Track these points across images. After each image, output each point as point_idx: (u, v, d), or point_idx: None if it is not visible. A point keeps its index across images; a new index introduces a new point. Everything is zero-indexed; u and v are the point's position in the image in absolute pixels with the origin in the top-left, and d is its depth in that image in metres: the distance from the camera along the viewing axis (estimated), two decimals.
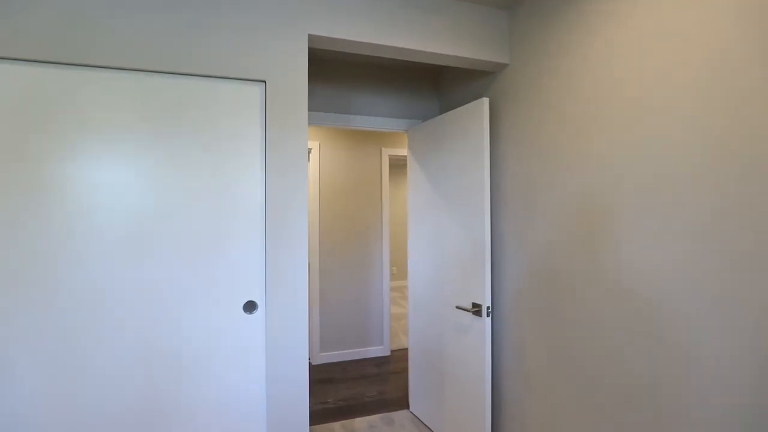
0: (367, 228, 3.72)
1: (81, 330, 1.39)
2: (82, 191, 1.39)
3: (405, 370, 3.41)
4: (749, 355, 0.99)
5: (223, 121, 1.53)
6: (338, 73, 2.50)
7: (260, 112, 1.58)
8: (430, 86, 2.70)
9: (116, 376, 1.42)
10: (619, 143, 1.35)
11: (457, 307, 2.03)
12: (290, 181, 1.58)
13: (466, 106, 2.05)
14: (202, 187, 1.51)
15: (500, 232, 1.99)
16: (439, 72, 2.69)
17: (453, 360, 2.14)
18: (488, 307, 1.91)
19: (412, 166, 2.57)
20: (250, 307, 1.56)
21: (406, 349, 3.87)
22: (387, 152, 3.78)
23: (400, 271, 7.39)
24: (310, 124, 2.47)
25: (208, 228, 1.52)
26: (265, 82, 1.57)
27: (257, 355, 1.57)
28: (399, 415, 2.62)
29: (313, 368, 3.45)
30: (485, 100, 1.92)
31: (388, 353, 3.75)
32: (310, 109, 2.45)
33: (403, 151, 3.83)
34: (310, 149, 3.55)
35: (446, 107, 2.60)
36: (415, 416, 2.59)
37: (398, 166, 7.13)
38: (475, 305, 1.97)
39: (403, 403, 2.81)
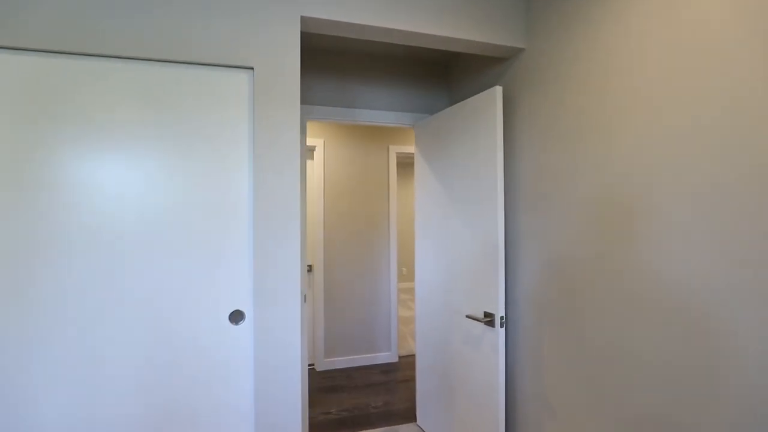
0: (374, 229, 3.57)
1: (41, 340, 1.26)
2: (52, 191, 1.27)
3: (413, 378, 3.24)
4: None
5: (207, 114, 1.40)
6: (341, 65, 2.35)
7: (248, 102, 1.43)
8: (438, 78, 2.53)
9: (97, 386, 1.29)
10: (657, 129, 1.16)
11: (468, 316, 1.86)
12: (281, 179, 1.43)
13: (477, 96, 1.88)
14: (182, 186, 1.37)
15: (515, 234, 1.80)
16: (448, 62, 2.52)
17: (463, 373, 1.97)
18: (502, 317, 1.73)
19: (419, 163, 2.40)
20: (236, 317, 1.42)
21: (415, 355, 3.70)
22: (395, 150, 3.62)
23: (410, 272, 7.22)
24: (310, 119, 2.33)
25: (190, 229, 1.38)
26: (253, 69, 1.43)
27: (245, 373, 1.42)
28: (405, 429, 2.46)
29: (317, 375, 3.31)
30: (498, 89, 1.74)
31: (395, 359, 3.59)
32: (310, 103, 2.30)
33: (411, 149, 3.66)
34: (315, 147, 3.41)
35: (456, 100, 2.42)
36: (423, 431, 2.42)
37: (407, 164, 6.96)
38: (487, 315, 1.79)
39: (410, 415, 2.64)
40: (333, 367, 3.43)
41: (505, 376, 1.84)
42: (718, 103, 1.00)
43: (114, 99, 1.32)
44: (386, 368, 3.44)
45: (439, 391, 2.20)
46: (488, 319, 1.77)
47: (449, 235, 2.08)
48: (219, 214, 1.40)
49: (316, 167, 3.42)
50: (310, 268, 3.47)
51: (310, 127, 3.41)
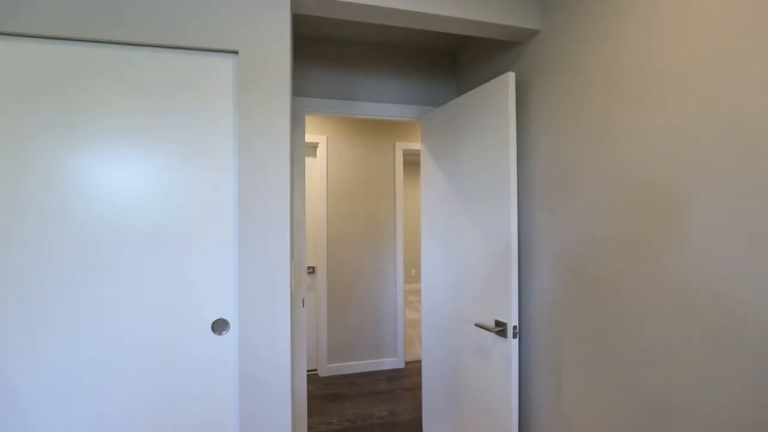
0: (380, 229, 3.42)
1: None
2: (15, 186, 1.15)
3: (420, 385, 3.09)
4: None
5: (187, 105, 1.27)
6: (342, 55, 2.21)
7: (233, 91, 1.30)
8: (445, 68, 2.37)
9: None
10: (696, 107, 0.98)
11: (477, 325, 1.70)
12: (269, 175, 1.29)
13: (487, 84, 1.71)
14: (158, 183, 1.25)
15: (530, 234, 1.64)
16: (456, 51, 2.36)
17: (472, 387, 1.81)
18: (515, 327, 1.57)
19: (425, 158, 2.24)
20: (220, 326, 1.29)
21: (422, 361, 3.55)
22: (401, 146, 3.47)
23: (419, 273, 7.05)
24: (309, 112, 2.19)
25: (168, 230, 1.25)
26: (237, 53, 1.30)
27: (230, 389, 1.29)
28: None
29: (320, 381, 3.18)
30: (511, 75, 1.58)
31: (402, 365, 3.44)
32: (308, 96, 2.16)
33: (419, 145, 3.50)
34: (317, 144, 3.28)
35: (464, 91, 2.26)
36: None
37: (414, 162, 6.79)
38: (498, 323, 1.63)
39: (416, 426, 2.49)
40: (337, 373, 3.30)
41: (518, 393, 1.68)
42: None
43: (81, 85, 1.19)
44: (392, 375, 3.29)
45: (446, 403, 2.04)
46: (500, 328, 1.61)
47: (457, 236, 1.93)
48: (201, 213, 1.27)
49: (318, 165, 3.29)
50: (312, 270, 3.34)
51: (312, 122, 3.28)
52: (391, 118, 2.29)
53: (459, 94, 2.34)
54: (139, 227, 1.23)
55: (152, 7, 1.22)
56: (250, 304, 1.28)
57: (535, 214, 1.60)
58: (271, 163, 1.29)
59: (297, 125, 2.15)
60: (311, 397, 2.90)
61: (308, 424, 2.55)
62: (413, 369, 3.41)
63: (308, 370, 3.32)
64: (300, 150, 2.15)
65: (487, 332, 1.70)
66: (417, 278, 7.06)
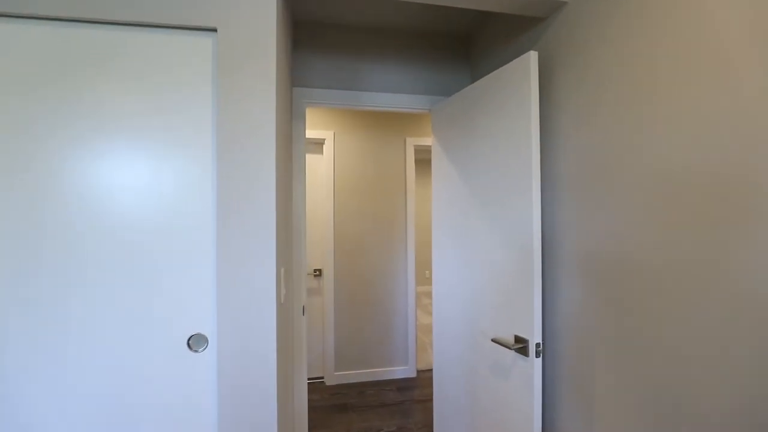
0: (390, 230, 3.23)
1: None
2: None
3: (432, 397, 2.89)
4: None
5: (158, 89, 1.11)
6: (345, 41, 2.04)
7: (211, 74, 1.14)
8: (459, 53, 2.16)
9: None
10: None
11: (495, 341, 1.49)
12: (250, 174, 1.13)
13: (504, 67, 1.51)
14: (129, 183, 1.09)
15: (555, 236, 1.42)
16: (470, 35, 2.15)
17: (489, 408, 1.61)
18: (538, 345, 1.36)
19: (436, 153, 2.05)
20: (197, 342, 1.13)
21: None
22: (412, 142, 3.27)
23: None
24: (310, 104, 2.02)
25: (136, 233, 1.10)
26: (216, 30, 1.13)
27: (207, 414, 1.13)
28: None
29: (326, 389, 3.02)
30: (533, 54, 1.37)
31: (413, 374, 3.24)
32: (309, 86, 2.00)
33: (431, 140, 3.30)
34: (323, 140, 3.12)
35: (480, 78, 2.05)
36: None
37: (427, 160, 6.58)
38: (518, 339, 1.42)
39: None
40: (344, 382, 3.13)
41: (542, 419, 1.47)
42: None
43: (34, 72, 1.05)
44: (403, 384, 3.10)
45: (459, 424, 1.84)
46: (520, 345, 1.40)
47: (472, 238, 1.72)
48: (175, 216, 1.11)
49: (325, 162, 3.13)
50: (319, 273, 3.18)
51: (318, 118, 3.12)
52: (399, 110, 2.10)
53: (473, 82, 2.13)
54: (103, 234, 1.08)
55: None
56: (230, 318, 1.11)
57: (562, 213, 1.39)
58: (253, 160, 1.12)
59: (297, 118, 1.99)
60: (316, 407, 2.74)
61: None
62: (425, 379, 3.22)
63: (314, 378, 3.17)
64: (300, 145, 1.98)
65: (506, 349, 1.49)
66: (431, 280, 6.84)
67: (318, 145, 3.20)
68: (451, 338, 1.90)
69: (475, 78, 2.12)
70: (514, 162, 1.46)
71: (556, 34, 1.42)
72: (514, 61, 1.46)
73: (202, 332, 1.13)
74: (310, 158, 3.19)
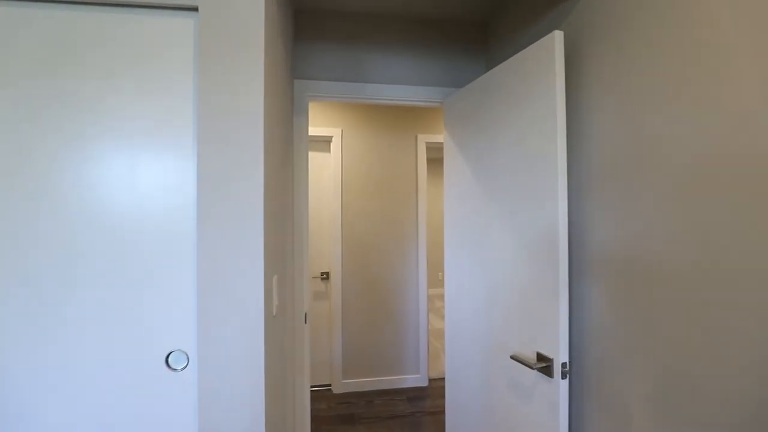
0: (401, 231, 3.09)
1: None
2: None
3: (445, 409, 2.73)
4: None
5: (133, 75, 0.99)
6: (350, 30, 1.90)
7: (192, 58, 1.01)
8: (474, 41, 2.00)
9: None
10: None
11: (514, 358, 1.33)
12: (234, 171, 1.00)
13: (526, 50, 1.35)
14: (101, 182, 0.98)
15: (584, 239, 1.25)
16: (487, 22, 1.99)
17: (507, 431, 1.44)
18: (564, 364, 1.19)
19: (449, 149, 1.89)
20: (176, 360, 1.00)
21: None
22: (423, 139, 3.12)
23: None
24: (313, 98, 1.90)
25: (108, 239, 0.98)
26: (197, 9, 1.01)
27: None
28: None
29: (333, 398, 2.89)
30: (557, 34, 1.21)
31: (425, 383, 3.09)
32: (311, 78, 1.87)
33: (443, 137, 3.13)
34: (331, 137, 2.99)
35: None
36: None
37: (439, 159, 6.40)
38: (541, 358, 1.26)
39: None
40: (352, 390, 3.00)
41: None
42: None
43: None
44: (414, 394, 2.95)
45: None
46: (543, 364, 1.24)
47: (487, 241, 1.56)
48: (152, 219, 0.99)
49: (332, 160, 3.00)
50: (326, 276, 3.06)
51: (325, 114, 2.99)
52: (409, 103, 1.96)
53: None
54: (70, 238, 0.96)
55: None
56: (212, 334, 0.98)
57: (591, 213, 1.21)
58: (238, 157, 0.99)
59: (299, 112, 1.86)
60: (322, 417, 2.61)
61: None
62: (438, 388, 3.05)
63: (321, 385, 3.05)
64: (302, 141, 1.86)
65: (527, 368, 1.33)
66: (443, 282, 6.66)
67: (325, 142, 3.07)
68: (465, 349, 1.74)
69: (491, 68, 1.95)
70: (536, 155, 1.29)
71: (586, 8, 1.25)
72: (536, 42, 1.29)
73: (183, 349, 1.01)
74: (316, 156, 3.07)
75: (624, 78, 1.09)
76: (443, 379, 3.22)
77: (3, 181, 0.94)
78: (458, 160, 1.79)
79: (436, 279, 6.62)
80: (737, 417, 0.80)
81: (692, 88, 0.90)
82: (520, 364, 1.36)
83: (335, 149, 2.99)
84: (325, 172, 3.08)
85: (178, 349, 1.00)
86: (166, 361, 1.00)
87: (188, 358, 1.00)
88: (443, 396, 2.92)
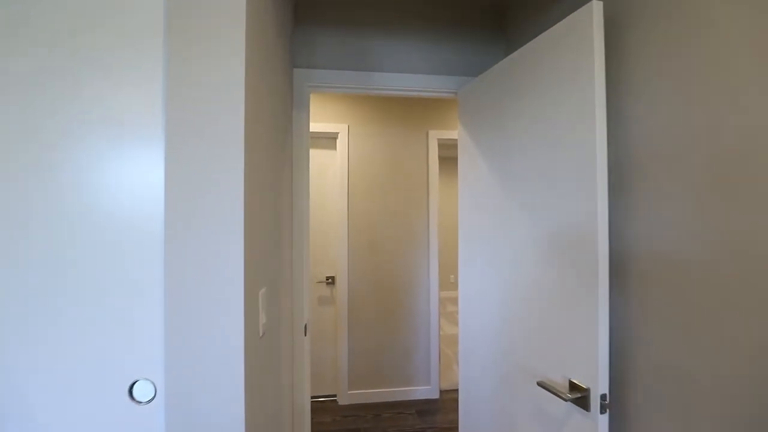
0: (410, 232, 2.91)
1: None
2: None
3: (457, 425, 2.54)
4: None
5: (98, 53, 0.83)
6: (355, 14, 1.73)
7: (162, 32, 0.85)
8: (491, 25, 1.81)
9: None
10: None
11: (541, 385, 1.14)
12: (212, 165, 0.83)
13: (556, 25, 1.16)
14: (39, 180, 0.82)
15: (622, 242, 1.06)
16: (506, 2, 1.79)
17: None
18: (603, 396, 1.00)
19: (463, 143, 1.71)
20: (141, 391, 0.84)
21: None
22: (435, 135, 2.93)
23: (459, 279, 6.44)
24: (314, 89, 1.73)
25: (60, 251, 0.82)
26: None
27: None
28: None
29: (338, 410, 2.73)
30: (596, 5, 1.02)
31: (436, 395, 2.90)
32: (311, 66, 1.71)
33: (457, 133, 2.94)
34: (337, 134, 2.83)
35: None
36: None
37: (451, 158, 6.19)
38: (574, 386, 1.07)
39: None
40: (358, 402, 2.83)
41: None
42: None
43: None
44: (424, 407, 2.77)
45: None
46: (578, 395, 1.05)
47: (507, 244, 1.38)
48: (110, 222, 0.84)
49: (339, 158, 2.83)
50: (332, 281, 2.90)
51: (330, 109, 2.83)
52: (419, 94, 1.78)
53: None
54: (21, 250, 0.81)
55: None
56: (183, 362, 0.82)
57: (640, 213, 1.02)
58: (215, 147, 0.83)
59: (299, 105, 1.70)
60: (326, 431, 2.45)
61: None
62: (450, 401, 2.87)
63: (326, 396, 2.89)
64: (302, 136, 1.69)
65: (557, 398, 1.14)
66: (456, 284, 6.45)
67: (330, 139, 2.91)
68: (481, 367, 1.55)
69: (511, 54, 1.76)
70: (569, 148, 1.10)
71: None
72: (569, 16, 1.10)
73: (150, 377, 0.85)
74: (321, 154, 2.91)
75: (674, 60, 0.89)
76: (455, 390, 3.03)
77: None
78: (474, 154, 1.60)
79: (447, 282, 6.42)
80: None
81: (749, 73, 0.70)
82: (549, 394, 1.17)
83: (341, 146, 2.82)
84: (331, 171, 2.92)
85: (144, 378, 0.84)
86: (130, 392, 0.84)
87: (156, 389, 0.84)
88: (455, 410, 2.73)
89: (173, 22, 0.82)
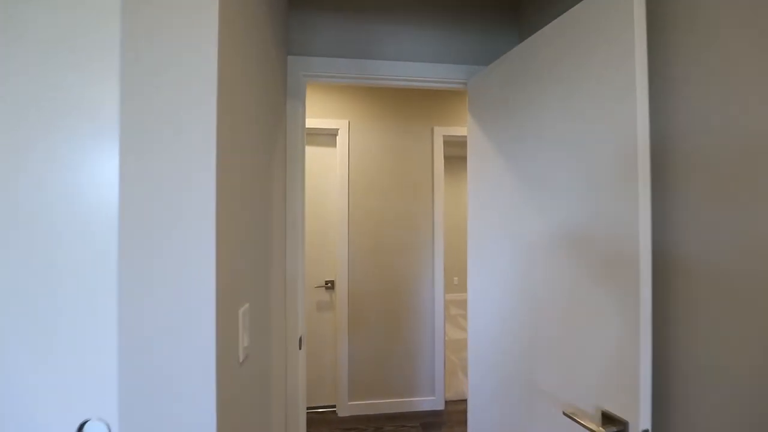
0: (414, 234, 2.76)
1: None
2: None
3: None
4: None
5: (44, 29, 0.69)
6: None
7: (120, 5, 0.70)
8: (504, 11, 1.66)
9: None
10: None
11: (567, 415, 0.99)
12: (177, 166, 0.68)
13: (581, 4, 1.00)
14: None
15: (674, 254, 0.91)
16: None
17: None
18: (646, 431, 0.85)
19: (474, 138, 1.55)
20: None
21: (467, 401, 2.84)
22: (440, 132, 2.78)
23: (462, 281, 6.29)
24: (311, 78, 1.58)
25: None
26: None
27: None
28: None
29: (337, 422, 2.58)
30: None
31: (441, 407, 2.75)
32: (308, 54, 1.56)
33: (464, 131, 2.78)
34: (337, 130, 2.68)
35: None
36: None
37: (458, 157, 6.03)
38: (608, 418, 0.92)
39: None
40: (359, 413, 2.68)
41: None
42: None
43: None
44: (428, 419, 2.62)
45: None
46: (613, 429, 0.89)
47: (526, 252, 1.22)
48: (57, 229, 0.69)
49: (338, 156, 2.68)
50: (331, 285, 2.75)
51: (330, 104, 2.68)
52: (425, 84, 1.63)
53: None
54: None
55: None
56: (139, 396, 0.68)
57: (689, 220, 0.86)
58: (180, 142, 0.68)
59: (294, 96, 1.55)
60: None
61: None
62: (455, 413, 2.71)
63: (325, 407, 2.74)
64: (297, 131, 1.55)
65: (584, 429, 0.98)
66: (460, 287, 6.29)
67: (330, 136, 2.76)
68: (497, 394, 1.40)
69: (523, 39, 1.61)
70: (600, 140, 0.95)
71: None
72: None
73: (102, 417, 0.70)
74: (320, 152, 2.76)
75: (730, 42, 0.74)
76: (461, 401, 2.87)
77: None
78: (487, 148, 1.45)
79: (451, 284, 6.27)
80: None
81: None
82: (577, 425, 1.02)
83: (341, 144, 2.67)
84: (330, 170, 2.77)
85: (96, 418, 0.70)
86: None
87: (109, 431, 0.70)
88: (462, 422, 2.57)
89: (131, 18, 0.67)
